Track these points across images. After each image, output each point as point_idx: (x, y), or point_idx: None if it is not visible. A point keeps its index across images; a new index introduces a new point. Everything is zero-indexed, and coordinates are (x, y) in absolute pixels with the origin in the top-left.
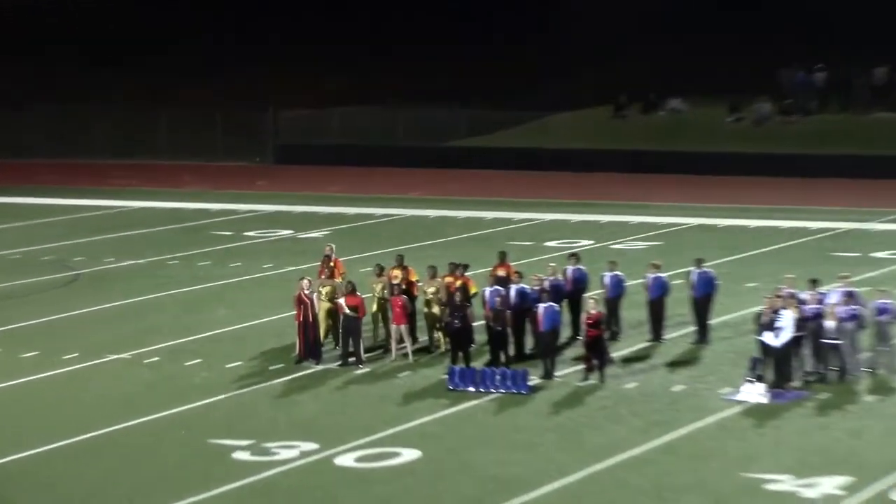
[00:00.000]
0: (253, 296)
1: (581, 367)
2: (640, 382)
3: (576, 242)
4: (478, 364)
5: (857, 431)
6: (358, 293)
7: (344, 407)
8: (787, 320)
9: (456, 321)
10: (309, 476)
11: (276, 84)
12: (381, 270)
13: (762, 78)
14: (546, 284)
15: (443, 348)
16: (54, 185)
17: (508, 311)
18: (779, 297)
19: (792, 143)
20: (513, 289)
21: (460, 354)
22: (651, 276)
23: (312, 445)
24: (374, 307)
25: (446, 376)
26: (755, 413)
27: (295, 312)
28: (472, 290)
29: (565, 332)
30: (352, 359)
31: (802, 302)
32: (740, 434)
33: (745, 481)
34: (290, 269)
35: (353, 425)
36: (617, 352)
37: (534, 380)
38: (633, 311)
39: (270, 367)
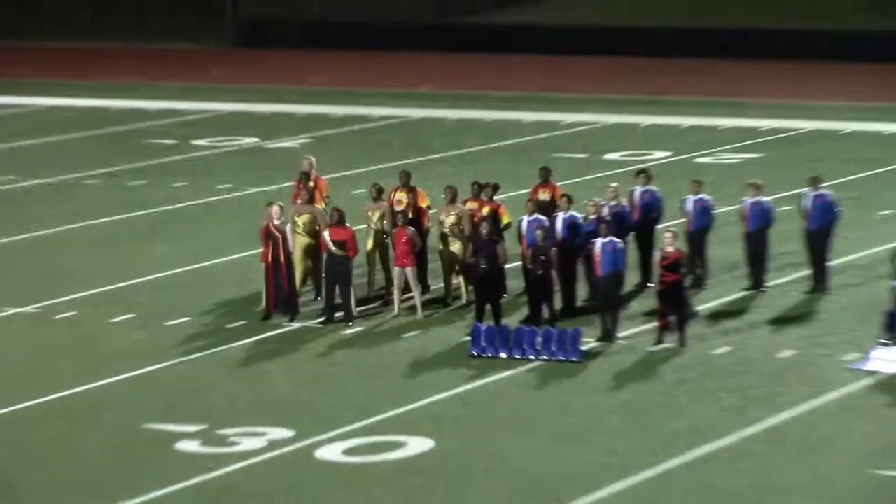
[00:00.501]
0: (203, 228)
1: (653, 324)
2: (733, 346)
3: (646, 155)
4: (512, 321)
5: None
6: (347, 224)
7: (328, 380)
8: None
9: (482, 262)
10: (280, 474)
11: None
12: (379, 193)
13: None
14: (605, 212)
15: (464, 299)
16: None
17: (554, 249)
18: None
19: None
20: (559, 218)
21: (488, 308)
22: (749, 200)
23: (285, 433)
24: (370, 243)
25: (469, 338)
26: (891, 388)
27: (261, 251)
28: (505, 220)
29: (631, 278)
30: (339, 314)
31: None
32: (870, 416)
33: (877, 481)
34: (254, 190)
35: (340, 405)
36: (702, 304)
37: (588, 342)
38: (725, 249)
39: (227, 326)
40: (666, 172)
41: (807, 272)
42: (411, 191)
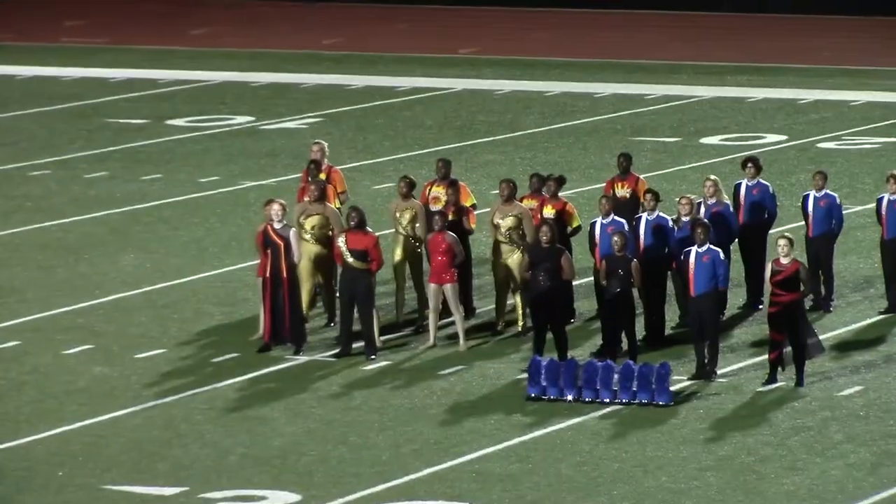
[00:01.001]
0: (182, 233)
1: (763, 357)
2: (865, 386)
3: (754, 138)
4: (581, 354)
5: None
6: (369, 228)
7: (344, 429)
8: None
9: (541, 278)
10: None
11: None
12: (409, 188)
13: None
14: (702, 213)
15: (520, 326)
16: None
17: (635, 261)
18: None
19: None
20: (643, 220)
21: (549, 337)
22: (888, 197)
23: (288, 497)
24: (399, 253)
25: (525, 375)
26: None
27: (258, 263)
28: (573, 223)
29: (735, 298)
30: (358, 343)
31: None
32: None
33: None
34: (248, 184)
35: (359, 461)
36: (826, 332)
37: (680, 381)
38: (855, 259)
39: (213, 359)
40: (780, 161)
41: None
42: (451, 185)
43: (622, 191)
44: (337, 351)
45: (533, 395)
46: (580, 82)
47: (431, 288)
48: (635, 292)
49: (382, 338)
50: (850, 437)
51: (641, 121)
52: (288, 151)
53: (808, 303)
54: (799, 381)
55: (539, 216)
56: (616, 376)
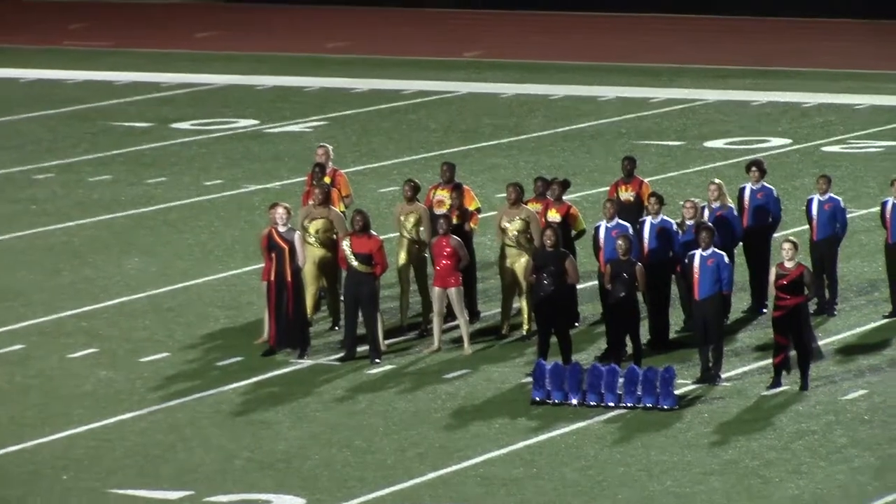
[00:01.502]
0: (186, 236)
1: (767, 361)
2: (869, 389)
3: (759, 142)
4: (585, 358)
5: None
6: (374, 232)
7: (349, 433)
8: None
9: (546, 280)
10: None
11: None
12: (414, 192)
13: None
14: (706, 217)
15: (525, 329)
16: None
17: (639, 265)
18: None
19: None
20: (647, 224)
21: (554, 341)
22: (894, 201)
23: (293, 501)
24: (403, 256)
25: (530, 379)
26: None
27: (262, 266)
28: (578, 227)
29: (739, 301)
30: (363, 347)
31: None
32: None
33: None
34: (253, 187)
35: (363, 465)
36: (829, 335)
37: (684, 385)
38: (859, 263)
39: (218, 363)
40: (785, 165)
41: None
42: (456, 188)
43: (626, 194)
44: (341, 355)
45: (537, 399)
46: (585, 86)
47: (436, 292)
48: (640, 296)
49: (387, 341)
50: (854, 441)
51: (646, 124)
52: (292, 155)
53: (812, 306)
54: (803, 385)
55: (543, 220)
56: (620, 380)
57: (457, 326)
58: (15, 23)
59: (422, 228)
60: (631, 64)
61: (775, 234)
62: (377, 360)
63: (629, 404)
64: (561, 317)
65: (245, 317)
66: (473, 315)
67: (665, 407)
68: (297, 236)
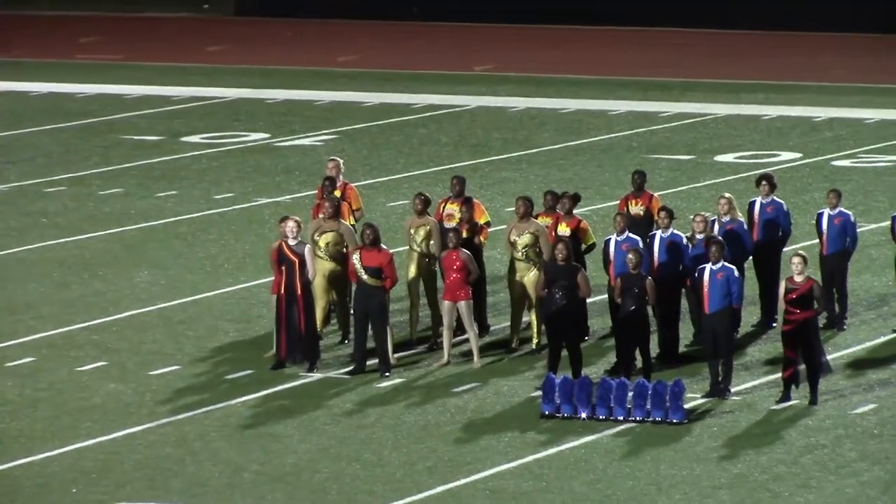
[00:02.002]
0: (196, 250)
1: (777, 375)
2: (879, 404)
3: (770, 156)
4: (595, 371)
5: None
6: (384, 245)
7: (358, 446)
8: None
9: (558, 294)
10: None
11: None
12: (424, 205)
13: None
14: (716, 230)
15: (535, 343)
16: None
17: (649, 278)
18: None
19: None
20: (657, 238)
21: (564, 355)
22: None
23: None
24: (413, 270)
25: (539, 393)
26: None
27: (272, 280)
28: (588, 241)
29: (749, 315)
30: (372, 361)
31: None
32: None
33: None
34: (263, 201)
35: (372, 478)
36: (840, 350)
37: (694, 399)
38: (869, 278)
39: (227, 376)
40: (795, 179)
41: None
42: (466, 202)
43: (636, 208)
44: (351, 368)
45: (547, 412)
46: (595, 99)
47: (445, 305)
48: (650, 310)
49: (396, 355)
50: (863, 455)
51: (656, 138)
52: (303, 168)
53: (821, 321)
54: (813, 399)
55: (554, 234)
56: (630, 394)
57: (466, 340)
58: (26, 36)
59: (432, 242)
60: (641, 78)
61: (785, 249)
62: (387, 374)
63: (638, 418)
64: (572, 330)
65: (255, 330)
66: (483, 329)
67: (674, 421)
68: (307, 250)
